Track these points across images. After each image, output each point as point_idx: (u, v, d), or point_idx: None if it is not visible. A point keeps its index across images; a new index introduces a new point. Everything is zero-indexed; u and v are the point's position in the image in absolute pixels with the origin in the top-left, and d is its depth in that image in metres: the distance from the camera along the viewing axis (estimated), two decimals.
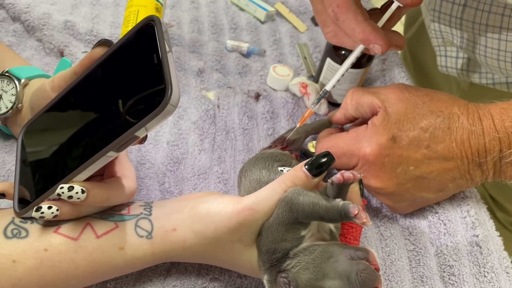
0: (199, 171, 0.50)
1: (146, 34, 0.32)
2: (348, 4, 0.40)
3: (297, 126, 0.49)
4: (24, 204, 0.36)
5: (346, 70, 0.47)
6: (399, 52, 0.93)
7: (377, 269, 0.32)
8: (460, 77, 0.66)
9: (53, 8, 0.66)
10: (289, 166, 0.42)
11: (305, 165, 0.35)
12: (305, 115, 0.48)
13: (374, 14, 0.44)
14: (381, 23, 0.43)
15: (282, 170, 0.40)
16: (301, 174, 0.35)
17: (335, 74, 0.47)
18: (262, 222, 0.35)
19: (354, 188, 0.37)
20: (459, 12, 0.55)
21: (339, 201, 0.32)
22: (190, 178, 0.49)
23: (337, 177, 0.35)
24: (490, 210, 0.73)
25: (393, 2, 0.43)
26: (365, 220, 0.30)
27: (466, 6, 0.53)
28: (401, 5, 0.42)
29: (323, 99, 0.49)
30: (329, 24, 0.43)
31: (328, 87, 0.47)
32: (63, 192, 0.33)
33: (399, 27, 1.05)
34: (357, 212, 0.30)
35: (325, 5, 0.41)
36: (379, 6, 0.46)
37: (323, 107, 0.58)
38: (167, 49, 0.31)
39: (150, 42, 0.31)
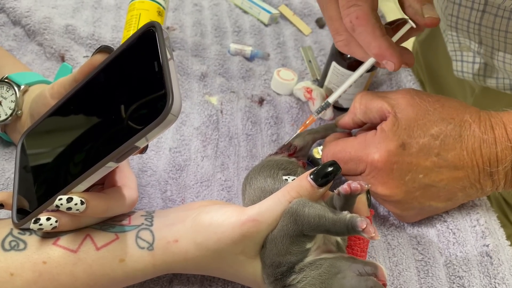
0: (202, 178, 0.49)
1: (147, 41, 0.31)
2: (367, 17, 0.39)
3: (298, 131, 0.48)
4: (23, 214, 0.35)
5: (354, 82, 0.46)
6: None
7: (384, 285, 0.30)
8: (476, 82, 0.65)
9: (54, 12, 0.65)
10: (294, 175, 0.40)
11: (310, 175, 0.34)
12: (307, 122, 0.47)
13: (386, 29, 0.43)
14: (394, 39, 0.42)
15: (286, 180, 0.39)
16: (306, 184, 0.34)
17: (341, 86, 0.47)
18: (266, 233, 0.34)
19: (362, 198, 0.36)
20: (478, 18, 0.54)
21: (346, 214, 0.31)
22: (193, 186, 0.48)
23: (344, 188, 0.34)
24: (504, 215, 0.72)
25: (406, 22, 0.43)
26: (373, 235, 0.29)
27: (485, 12, 0.52)
28: (414, 26, 0.41)
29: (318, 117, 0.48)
30: (342, 32, 0.43)
31: (331, 100, 0.47)
32: (61, 204, 0.32)
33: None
34: (365, 226, 0.29)
35: (342, 14, 0.40)
36: (391, 19, 0.45)
37: (328, 112, 0.57)
38: (169, 56, 0.30)
39: (151, 49, 0.30)
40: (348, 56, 0.54)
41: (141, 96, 0.30)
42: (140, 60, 0.31)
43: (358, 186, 0.33)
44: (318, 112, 0.47)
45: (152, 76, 0.30)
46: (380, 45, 0.40)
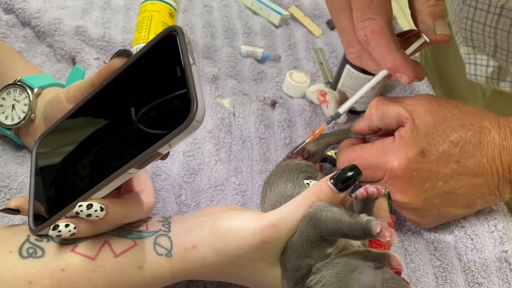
0: (216, 182, 0.48)
1: (168, 45, 0.30)
2: (382, 31, 0.39)
3: (307, 141, 0.47)
4: (39, 220, 0.35)
5: (365, 93, 0.46)
6: (420, 58, 0.92)
7: (399, 271, 0.30)
8: (490, 86, 0.64)
9: (63, 12, 0.65)
10: (315, 179, 0.40)
11: (330, 179, 0.33)
12: (316, 131, 0.47)
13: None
14: (407, 53, 0.42)
15: (308, 184, 0.39)
16: (326, 189, 0.34)
17: (352, 97, 0.46)
18: (286, 239, 0.34)
19: (383, 205, 0.36)
20: (494, 22, 0.53)
21: (363, 217, 0.30)
22: (207, 190, 0.48)
23: (361, 192, 0.33)
24: None
25: (417, 34, 0.42)
26: (389, 239, 0.29)
27: (501, 15, 0.52)
28: (428, 41, 0.41)
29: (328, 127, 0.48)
30: (355, 45, 0.43)
31: (341, 110, 0.46)
32: (81, 210, 0.31)
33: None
34: (379, 229, 0.29)
35: (356, 27, 0.40)
36: (406, 29, 0.45)
37: (342, 116, 0.57)
38: (191, 61, 0.29)
39: (172, 53, 0.30)
40: None
41: (163, 102, 0.30)
42: (161, 65, 0.31)
43: (375, 190, 0.33)
44: (328, 122, 0.47)
45: (174, 81, 0.29)
46: (394, 59, 0.40)
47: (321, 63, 0.65)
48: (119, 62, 0.35)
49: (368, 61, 0.44)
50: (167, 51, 0.31)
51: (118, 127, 0.33)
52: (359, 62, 0.44)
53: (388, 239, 0.29)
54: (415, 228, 0.47)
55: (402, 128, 0.43)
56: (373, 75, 0.53)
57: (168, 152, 0.33)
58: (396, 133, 0.43)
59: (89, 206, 0.31)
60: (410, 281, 0.43)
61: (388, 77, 0.44)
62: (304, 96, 0.60)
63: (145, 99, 0.31)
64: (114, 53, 0.36)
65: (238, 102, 0.57)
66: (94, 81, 0.37)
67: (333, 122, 0.47)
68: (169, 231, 0.37)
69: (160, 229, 0.37)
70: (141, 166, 0.30)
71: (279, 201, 0.38)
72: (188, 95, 0.28)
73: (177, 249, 0.36)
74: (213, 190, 0.48)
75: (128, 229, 0.36)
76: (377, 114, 0.45)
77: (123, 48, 0.58)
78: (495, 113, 0.43)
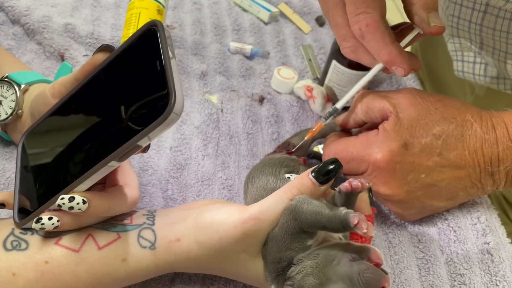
0: (203, 177, 0.49)
1: (149, 40, 0.31)
2: (377, 25, 0.39)
3: (305, 139, 0.48)
4: (24, 214, 0.35)
5: (362, 88, 0.46)
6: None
7: (378, 265, 0.31)
8: (477, 82, 0.65)
9: (53, 10, 0.65)
10: (296, 173, 0.40)
11: (311, 173, 0.34)
12: (314, 129, 0.47)
13: None
14: (401, 45, 0.42)
15: (289, 177, 0.39)
16: (308, 182, 0.34)
17: (349, 91, 0.46)
18: (267, 231, 0.34)
19: (363, 197, 0.36)
20: (479, 19, 0.53)
21: (341, 210, 0.31)
22: (194, 185, 0.48)
23: (345, 185, 0.34)
24: (504, 213, 0.72)
25: (411, 27, 0.42)
26: (365, 231, 0.29)
27: (486, 13, 0.52)
28: (422, 33, 0.41)
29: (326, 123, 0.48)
30: (349, 39, 0.42)
31: (339, 105, 0.47)
32: (64, 203, 0.32)
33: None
34: (357, 222, 0.29)
35: (350, 21, 0.40)
36: (395, 23, 0.45)
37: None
38: (171, 55, 0.30)
39: (152, 47, 0.30)
40: None
41: (143, 95, 0.30)
42: (142, 59, 0.31)
43: (359, 184, 0.33)
44: (326, 118, 0.47)
45: (154, 75, 0.30)
46: (390, 52, 0.40)
47: (310, 60, 0.66)
48: (102, 57, 0.35)
49: (363, 55, 0.44)
50: (147, 46, 0.31)
51: (100, 121, 0.33)
52: (354, 56, 0.44)
53: (365, 231, 0.29)
54: (399, 221, 0.48)
55: (386, 121, 0.43)
56: (361, 70, 0.55)
57: (149, 145, 0.33)
58: (380, 126, 0.43)
59: (71, 199, 0.32)
60: (393, 273, 0.43)
61: (384, 70, 0.44)
62: (292, 92, 0.60)
63: (126, 92, 0.32)
64: (97, 48, 0.36)
65: (226, 98, 0.57)
66: (78, 76, 0.37)
67: (331, 118, 0.47)
68: (153, 224, 0.37)
69: (144, 222, 0.37)
70: (121, 159, 0.31)
71: (260, 195, 0.38)
72: (166, 88, 0.28)
73: (161, 242, 0.36)
74: (200, 184, 0.48)
75: (112, 223, 0.37)
76: (362, 108, 0.46)
77: (111, 45, 0.59)
78: (483, 109, 0.43)
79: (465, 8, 0.55)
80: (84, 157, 0.33)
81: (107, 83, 0.34)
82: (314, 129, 0.47)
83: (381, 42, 0.40)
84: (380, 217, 0.48)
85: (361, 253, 0.31)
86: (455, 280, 0.43)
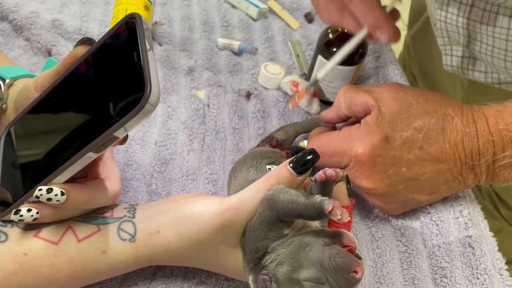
0: (188, 172, 0.49)
1: (127, 32, 0.31)
2: None
3: (289, 107, 0.49)
4: (5, 206, 0.35)
5: (346, 55, 0.47)
6: (403, 51, 0.93)
7: (352, 249, 0.31)
8: (465, 76, 0.65)
9: (41, 6, 0.65)
10: (277, 164, 0.41)
11: (289, 163, 0.34)
12: (296, 96, 0.48)
13: None
14: None
15: (270, 168, 0.39)
16: (286, 173, 0.34)
17: (330, 61, 0.47)
18: (246, 222, 0.35)
19: (341, 188, 0.37)
20: (467, 13, 0.54)
21: (317, 198, 0.31)
22: (178, 179, 0.48)
23: (320, 174, 0.34)
24: (494, 206, 0.72)
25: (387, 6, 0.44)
26: (339, 217, 0.30)
27: (473, 6, 0.53)
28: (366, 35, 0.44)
29: (311, 91, 0.49)
30: (336, 2, 0.43)
31: (320, 75, 0.49)
32: (41, 194, 0.32)
33: (402, 23, 1.04)
34: (331, 208, 0.30)
35: None
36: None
37: (314, 106, 0.57)
38: (148, 47, 0.30)
39: (131, 40, 0.30)
40: (334, 49, 0.54)
41: (120, 86, 0.30)
42: (121, 51, 0.31)
43: (333, 172, 0.34)
44: (309, 86, 0.49)
45: (131, 67, 0.30)
46: (377, 16, 0.40)
47: (298, 56, 0.66)
48: (82, 50, 0.35)
49: (348, 19, 0.44)
50: (126, 38, 0.31)
51: (80, 113, 0.33)
52: (339, 19, 0.44)
53: (339, 217, 0.29)
54: (382, 215, 0.48)
55: (368, 115, 0.43)
56: (346, 65, 0.55)
57: (127, 136, 0.33)
58: (362, 120, 0.44)
59: (49, 190, 0.32)
60: (375, 266, 0.43)
61: (368, 37, 0.45)
62: (279, 88, 0.60)
63: (105, 84, 0.32)
64: (77, 41, 0.36)
65: (213, 93, 0.57)
66: (59, 70, 0.37)
67: (312, 88, 0.50)
68: (134, 217, 0.37)
69: (125, 215, 0.37)
70: (98, 150, 0.31)
71: (242, 186, 0.38)
72: (143, 79, 0.29)
73: (141, 234, 0.36)
74: (184, 179, 0.48)
75: (93, 215, 0.37)
76: (345, 102, 0.46)
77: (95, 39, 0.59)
78: (472, 103, 0.44)
79: (453, 2, 0.56)
80: (63, 150, 0.33)
81: (87, 76, 0.34)
82: (296, 97, 0.48)
83: (369, 6, 0.40)
84: (364, 211, 0.48)
85: (334, 237, 0.31)
86: (436, 273, 0.43)
